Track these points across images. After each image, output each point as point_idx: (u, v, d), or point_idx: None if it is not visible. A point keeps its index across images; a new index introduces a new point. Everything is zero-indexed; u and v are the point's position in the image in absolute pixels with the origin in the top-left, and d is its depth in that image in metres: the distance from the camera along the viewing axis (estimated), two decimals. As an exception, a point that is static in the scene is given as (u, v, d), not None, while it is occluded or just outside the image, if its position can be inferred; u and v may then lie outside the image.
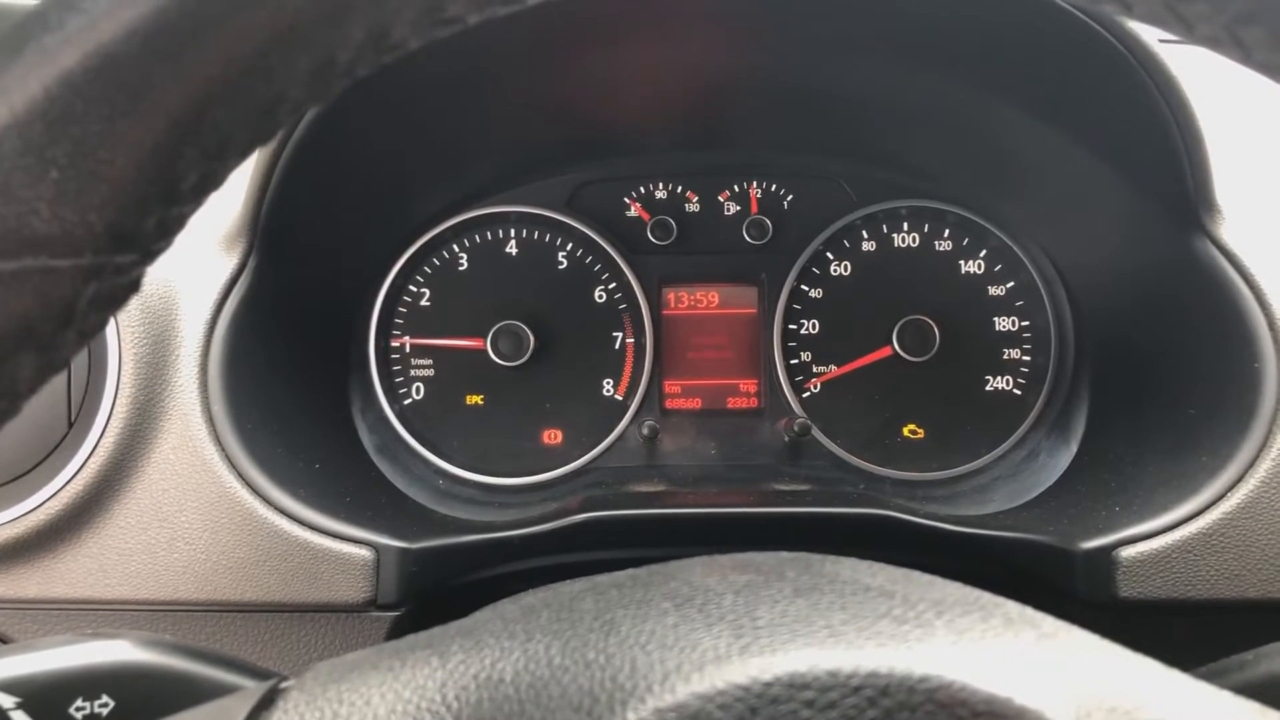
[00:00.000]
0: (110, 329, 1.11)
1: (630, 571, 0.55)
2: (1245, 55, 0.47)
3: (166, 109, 0.41)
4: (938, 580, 0.52)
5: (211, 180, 0.46)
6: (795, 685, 0.40)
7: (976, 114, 1.32)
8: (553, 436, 1.53)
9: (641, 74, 1.32)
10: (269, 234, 1.19)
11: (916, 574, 0.53)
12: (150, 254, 0.46)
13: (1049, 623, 0.48)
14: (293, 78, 0.44)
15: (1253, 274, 1.13)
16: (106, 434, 1.10)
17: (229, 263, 1.18)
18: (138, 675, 0.67)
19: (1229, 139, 1.17)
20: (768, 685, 0.40)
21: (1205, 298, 1.17)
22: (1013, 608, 0.49)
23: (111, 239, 0.42)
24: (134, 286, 0.47)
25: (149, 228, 0.44)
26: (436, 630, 0.52)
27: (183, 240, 1.17)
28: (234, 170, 0.47)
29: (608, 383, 1.54)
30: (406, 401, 1.52)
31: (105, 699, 0.65)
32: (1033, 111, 1.27)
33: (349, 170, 1.29)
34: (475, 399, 1.53)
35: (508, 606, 0.53)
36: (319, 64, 0.44)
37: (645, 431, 1.48)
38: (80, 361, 1.11)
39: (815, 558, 0.55)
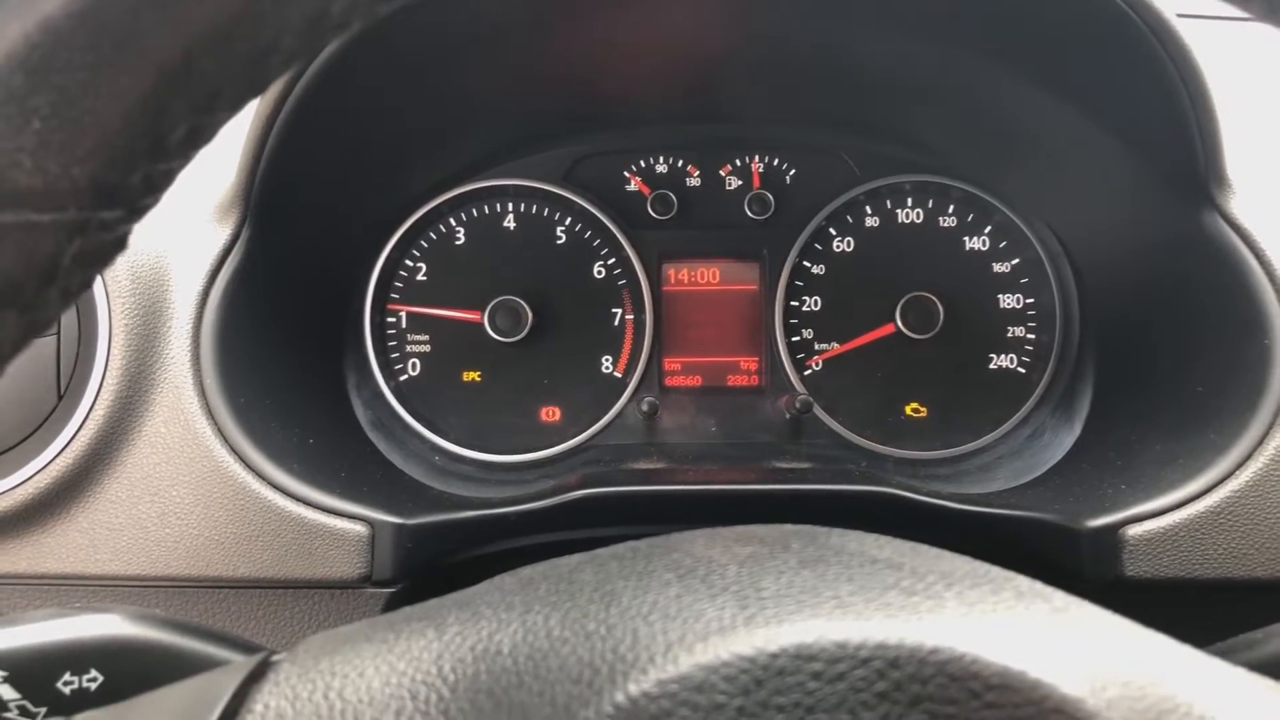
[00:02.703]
0: (101, 300, 1.10)
1: (630, 544, 0.54)
2: None
3: (153, 58, 0.40)
4: (946, 553, 0.52)
5: (201, 135, 0.45)
6: (802, 656, 0.39)
7: (982, 85, 1.30)
8: (551, 414, 1.52)
9: (642, 42, 1.30)
10: (263, 204, 1.18)
11: (924, 547, 0.52)
12: (137, 210, 0.45)
13: (1060, 597, 0.47)
14: (284, 27, 0.42)
15: (1263, 249, 1.12)
16: (96, 407, 1.09)
17: (222, 233, 1.17)
18: (126, 649, 0.67)
19: (1240, 111, 1.16)
20: (774, 656, 0.39)
21: (1214, 273, 1.16)
22: (1023, 581, 0.48)
23: (96, 193, 0.41)
24: (120, 244, 0.46)
25: (135, 182, 0.43)
26: (433, 602, 0.52)
27: (175, 209, 1.17)
28: (225, 124, 0.45)
29: (606, 359, 1.53)
30: (403, 377, 1.51)
31: (94, 673, 0.65)
32: (1040, 82, 1.25)
33: (345, 140, 1.28)
34: (472, 375, 1.51)
35: (506, 579, 0.53)
36: (312, 13, 0.43)
37: (644, 409, 1.47)
38: (70, 333, 1.10)
39: (821, 530, 0.55)
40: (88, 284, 0.45)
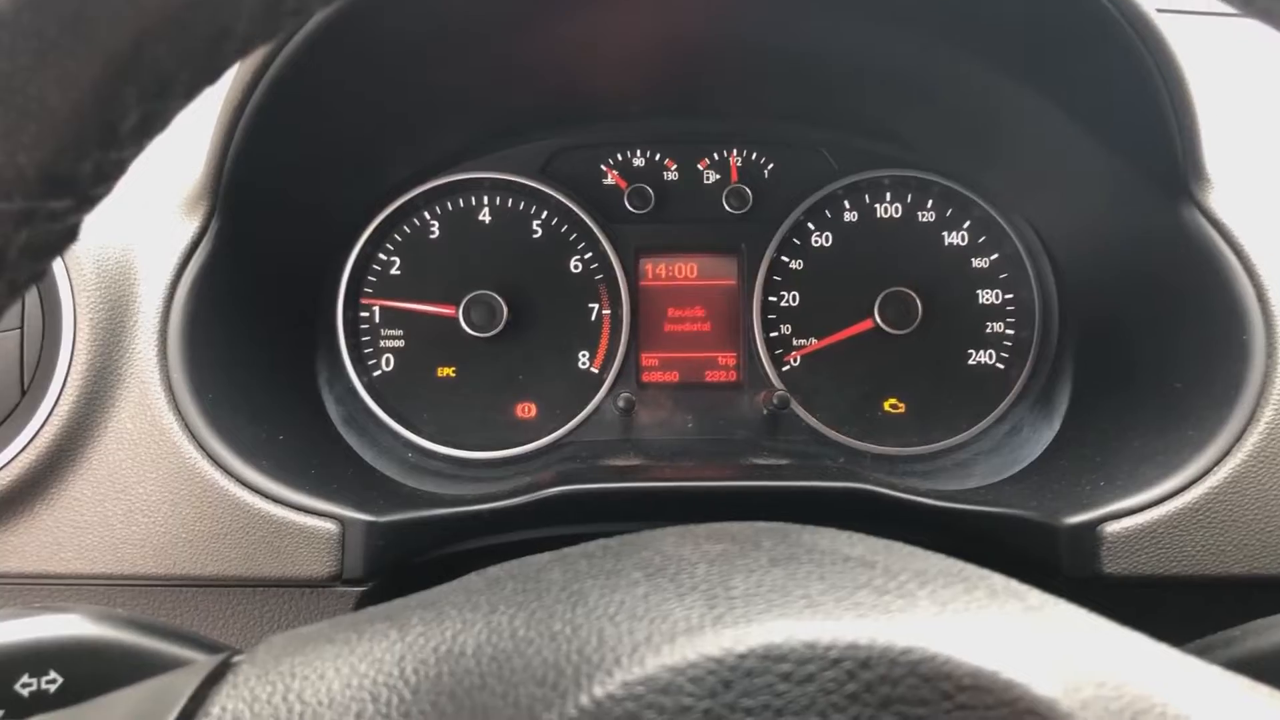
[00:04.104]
0: (65, 293, 1.09)
1: (601, 541, 0.54)
2: None
3: (102, 42, 0.38)
4: (920, 551, 0.51)
5: (154, 122, 0.43)
6: (771, 657, 0.38)
7: (960, 79, 1.30)
8: (526, 410, 1.51)
9: (620, 33, 1.29)
10: (232, 196, 1.16)
11: (898, 545, 0.52)
12: (88, 200, 0.44)
13: (1035, 595, 0.46)
14: (239, 12, 0.41)
15: (1241, 244, 1.12)
16: (61, 402, 1.07)
17: (190, 226, 1.15)
18: (87, 650, 0.67)
19: (1219, 106, 1.16)
20: (742, 657, 0.39)
21: (1193, 268, 1.16)
22: (998, 580, 0.47)
23: (44, 182, 0.40)
24: (70, 235, 0.45)
25: (85, 171, 0.42)
26: (397, 602, 0.51)
27: (142, 201, 1.15)
28: (179, 112, 0.44)
29: (583, 355, 1.52)
30: (376, 373, 1.49)
31: (53, 674, 0.65)
32: (1019, 77, 1.24)
33: (316, 131, 1.26)
34: (447, 371, 1.50)
35: (473, 578, 0.52)
36: None
37: (621, 405, 1.46)
38: (34, 327, 1.09)
39: (793, 527, 0.54)
40: (36, 276, 0.44)
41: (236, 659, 0.49)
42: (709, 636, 0.40)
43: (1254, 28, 1.43)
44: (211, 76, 0.43)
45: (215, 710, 0.44)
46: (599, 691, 0.38)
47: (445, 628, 0.45)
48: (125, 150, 0.43)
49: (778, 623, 0.40)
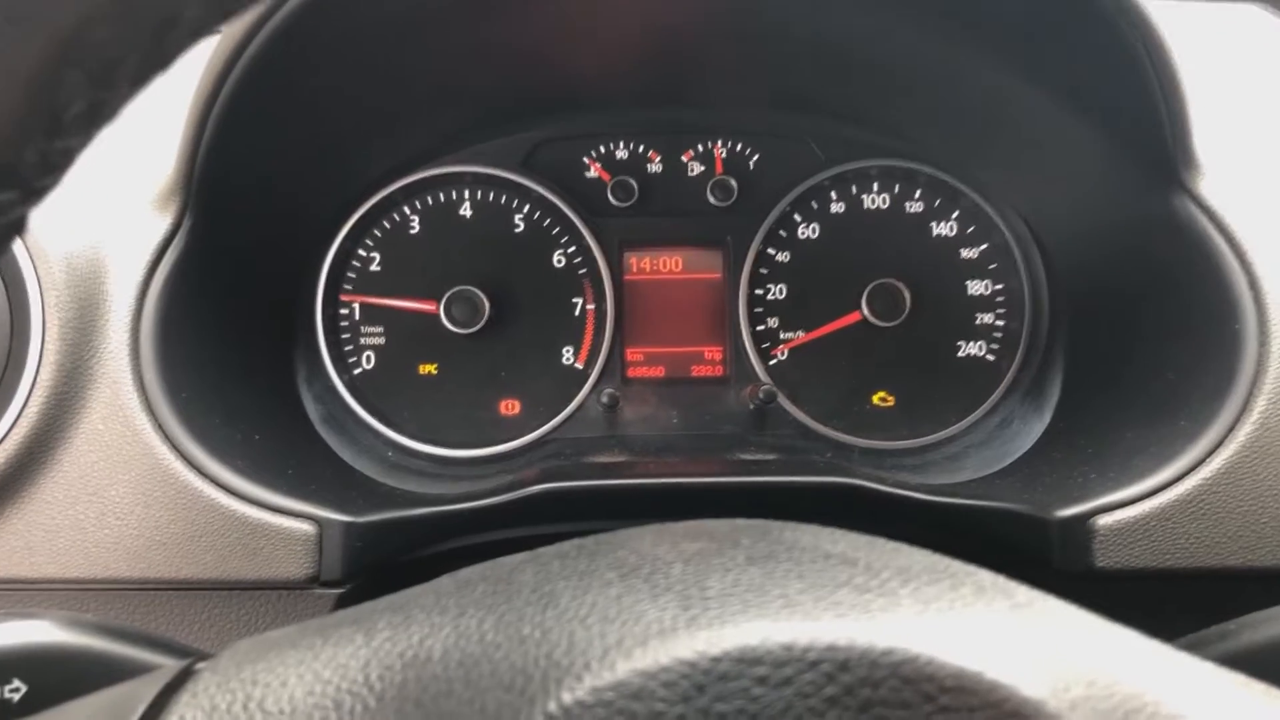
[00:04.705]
0: (34, 292, 1.08)
1: (576, 541, 0.53)
2: None
3: (40, 23, 0.37)
4: (904, 547, 0.50)
5: (101, 111, 0.42)
6: (746, 660, 0.37)
7: (948, 67, 1.28)
8: (510, 407, 1.49)
9: (601, 20, 1.27)
10: (205, 192, 1.14)
11: (881, 541, 0.51)
12: (33, 192, 0.42)
13: (1023, 592, 0.46)
14: None
15: (1234, 231, 1.11)
16: (30, 403, 1.06)
17: (162, 222, 1.14)
18: (53, 658, 0.66)
19: (1211, 92, 1.15)
20: (715, 660, 0.37)
21: (1184, 257, 1.15)
22: (984, 576, 0.47)
23: None
24: (16, 227, 0.44)
25: (29, 161, 0.40)
26: (365, 606, 0.50)
27: (112, 197, 1.13)
28: (129, 100, 0.43)
29: (567, 351, 1.50)
30: (356, 371, 1.48)
31: (16, 683, 0.64)
32: (1007, 63, 1.23)
33: (291, 124, 1.24)
34: (428, 368, 1.48)
35: (444, 581, 0.51)
36: None
37: (605, 400, 1.45)
38: (1, 327, 1.07)
39: (774, 525, 0.53)
40: None
41: (199, 665, 0.48)
42: (682, 639, 0.38)
43: (1247, 13, 1.43)
44: (161, 63, 0.42)
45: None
46: (567, 698, 0.37)
47: (412, 632, 0.45)
48: (71, 139, 0.41)
49: (753, 624, 0.39)
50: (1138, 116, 1.13)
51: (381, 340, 1.48)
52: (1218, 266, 1.11)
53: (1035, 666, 0.38)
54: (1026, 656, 0.39)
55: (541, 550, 0.52)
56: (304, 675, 0.43)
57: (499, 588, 0.47)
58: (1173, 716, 0.38)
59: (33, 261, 1.07)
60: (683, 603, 0.41)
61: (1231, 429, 1.06)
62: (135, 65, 0.40)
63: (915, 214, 1.50)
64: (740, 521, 0.53)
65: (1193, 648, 0.70)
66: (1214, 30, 1.42)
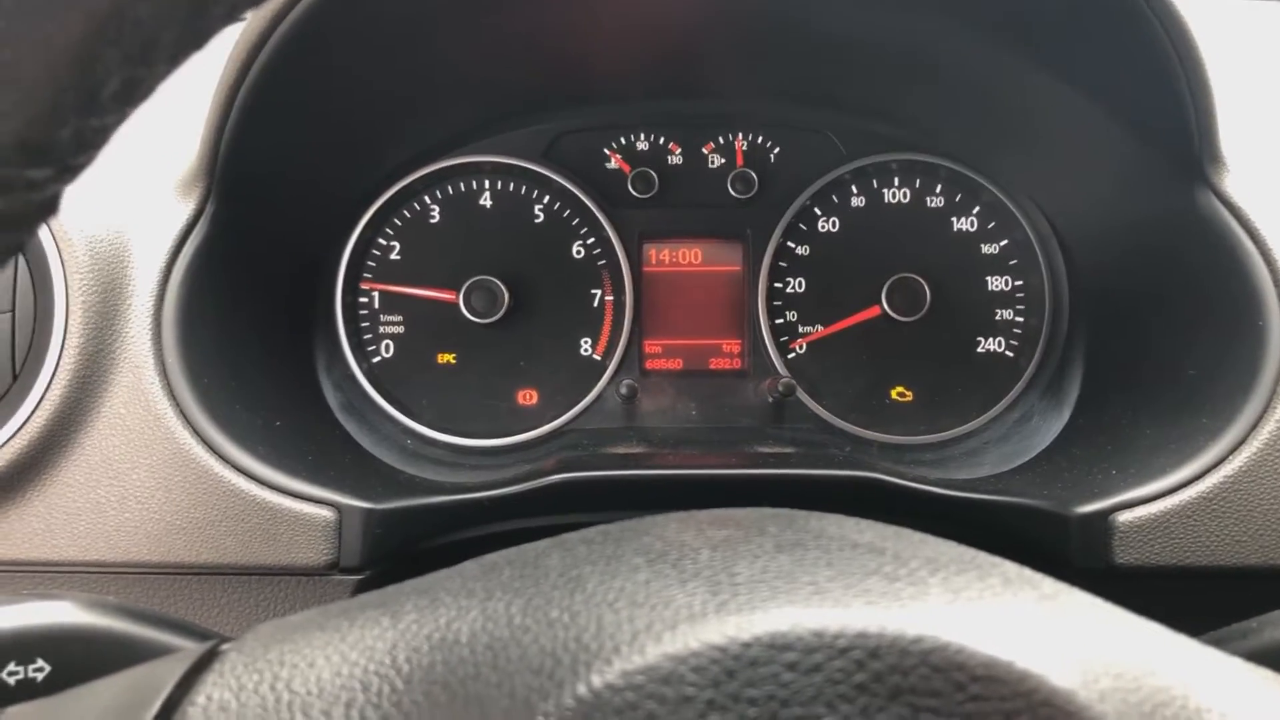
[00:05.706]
0: (58, 276, 1.08)
1: (601, 527, 0.53)
2: None
3: (79, 2, 0.37)
4: (931, 538, 0.50)
5: (137, 88, 0.42)
6: (776, 646, 0.37)
7: (970, 61, 1.28)
8: (527, 397, 1.49)
9: (623, 12, 1.27)
10: (228, 178, 1.15)
11: (908, 531, 0.51)
12: (68, 170, 0.42)
13: (1049, 584, 0.46)
14: None
15: (1258, 228, 1.11)
16: (53, 387, 1.06)
17: (185, 208, 1.14)
18: (76, 638, 0.67)
19: (1235, 87, 1.14)
20: (746, 646, 0.37)
21: (1207, 253, 1.15)
22: (1010, 567, 0.46)
23: (20, 150, 0.38)
24: (50, 205, 0.43)
25: (64, 139, 0.40)
26: (390, 589, 0.50)
27: (136, 183, 1.14)
28: (165, 78, 0.42)
29: (585, 342, 1.50)
30: (375, 359, 1.48)
31: (40, 663, 0.63)
32: (1031, 57, 1.22)
33: (314, 112, 1.24)
34: (447, 357, 1.48)
35: (469, 565, 0.51)
36: None
37: (624, 392, 1.45)
38: (25, 310, 1.08)
39: (800, 514, 0.53)
40: (14, 248, 0.43)
41: (224, 647, 0.48)
42: (712, 624, 0.38)
43: (1272, 10, 1.42)
44: (198, 41, 0.42)
45: (201, 699, 0.44)
46: (597, 681, 0.37)
47: (439, 615, 0.45)
48: (108, 117, 0.41)
49: (784, 610, 0.39)
50: (1164, 113, 1.13)
51: (401, 329, 1.48)
52: (1242, 263, 1.10)
53: (1065, 657, 0.38)
54: (1056, 647, 0.39)
55: (566, 536, 0.52)
56: (331, 657, 0.44)
57: (525, 572, 0.47)
58: (1201, 709, 0.38)
59: (57, 245, 1.07)
60: (711, 588, 0.41)
61: (1254, 427, 1.05)
62: (172, 43, 0.40)
63: (936, 209, 1.50)
64: (765, 510, 0.53)
65: (1215, 644, 0.69)
66: (1239, 27, 1.41)
